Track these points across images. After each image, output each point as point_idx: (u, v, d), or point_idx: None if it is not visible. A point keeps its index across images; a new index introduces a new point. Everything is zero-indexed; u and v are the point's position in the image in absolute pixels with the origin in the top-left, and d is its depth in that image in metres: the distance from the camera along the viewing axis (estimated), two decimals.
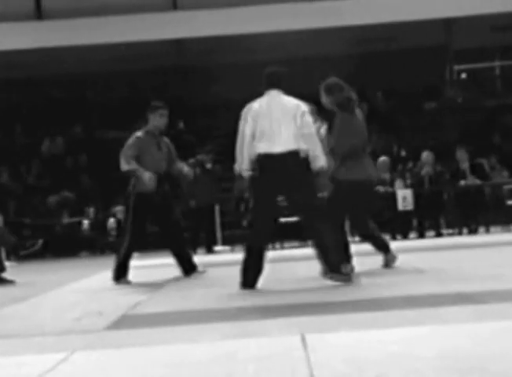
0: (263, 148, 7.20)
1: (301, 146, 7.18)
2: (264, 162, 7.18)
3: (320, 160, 7.26)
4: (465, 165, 16.34)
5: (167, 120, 9.55)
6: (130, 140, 9.44)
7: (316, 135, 7.51)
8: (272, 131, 7.22)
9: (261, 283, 7.30)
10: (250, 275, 7.28)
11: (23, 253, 18.99)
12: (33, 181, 23.75)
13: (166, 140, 9.62)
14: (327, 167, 7.49)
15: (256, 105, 7.38)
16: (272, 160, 7.17)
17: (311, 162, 7.24)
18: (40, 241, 20.38)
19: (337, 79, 8.64)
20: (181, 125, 24.01)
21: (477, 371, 3.23)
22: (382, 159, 16.67)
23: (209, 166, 16.81)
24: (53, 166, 23.91)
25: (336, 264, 7.13)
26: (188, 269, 9.44)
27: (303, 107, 7.37)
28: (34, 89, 25.99)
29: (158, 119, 9.47)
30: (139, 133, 9.51)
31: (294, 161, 7.16)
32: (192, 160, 16.12)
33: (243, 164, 7.32)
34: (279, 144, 7.18)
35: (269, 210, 7.30)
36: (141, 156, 9.32)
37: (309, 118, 7.32)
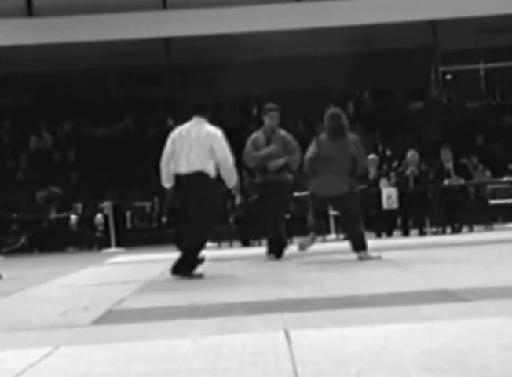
0: (174, 168, 8.53)
1: (209, 168, 8.38)
2: (176, 180, 8.54)
3: (230, 182, 8.63)
4: (449, 165, 16.43)
5: (278, 120, 10.90)
6: (248, 141, 10.96)
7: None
8: (183, 154, 8.46)
9: (246, 279, 7.33)
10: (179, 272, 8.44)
11: (5, 250, 18.95)
12: (21, 176, 23.74)
13: (281, 135, 10.88)
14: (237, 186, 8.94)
15: (178, 130, 8.69)
16: (179, 179, 8.50)
17: (225, 183, 8.66)
18: (23, 239, 20.35)
19: (333, 109, 10.19)
20: (170, 122, 24.03)
21: (458, 366, 3.28)
22: (371, 157, 16.87)
23: None
24: (41, 161, 23.91)
25: (190, 266, 8.40)
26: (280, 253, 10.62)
27: (216, 134, 8.50)
28: (23, 86, 25.94)
29: (269, 120, 10.83)
30: (255, 134, 11.02)
31: (198, 180, 8.35)
32: None
33: (162, 178, 8.70)
34: (187, 165, 8.42)
35: (185, 217, 8.66)
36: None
37: (220, 145, 8.44)
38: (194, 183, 8.37)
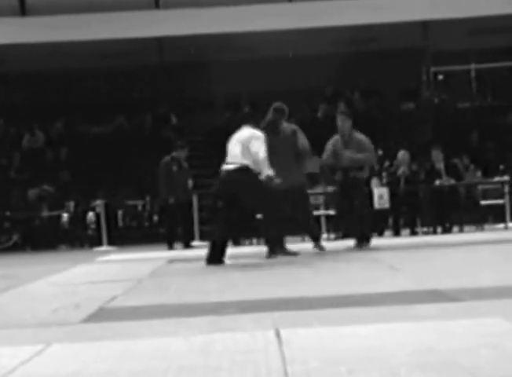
0: (223, 166, 10.10)
1: (247, 162, 9.82)
2: (220, 175, 10.18)
3: (263, 172, 9.83)
4: (440, 165, 16.47)
5: (348, 124, 11.69)
6: (329, 145, 11.88)
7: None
8: (229, 154, 10.04)
9: (238, 277, 7.35)
10: (212, 262, 9.67)
11: None
12: (14, 174, 23.72)
13: (357, 138, 11.65)
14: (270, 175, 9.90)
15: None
16: (224, 174, 10.02)
17: (261, 174, 9.90)
18: (15, 237, 20.34)
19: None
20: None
21: (450, 366, 3.28)
22: None
23: (185, 164, 16.53)
24: (34, 159, 23.89)
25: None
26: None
27: (254, 135, 9.94)
28: (16, 84, 25.91)
29: (340, 123, 11.76)
30: (335, 137, 11.85)
31: (241, 173, 9.84)
32: (167, 157, 16.08)
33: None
34: (230, 162, 9.97)
35: (229, 210, 10.05)
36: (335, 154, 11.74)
37: (255, 144, 9.82)
38: (238, 175, 9.81)
